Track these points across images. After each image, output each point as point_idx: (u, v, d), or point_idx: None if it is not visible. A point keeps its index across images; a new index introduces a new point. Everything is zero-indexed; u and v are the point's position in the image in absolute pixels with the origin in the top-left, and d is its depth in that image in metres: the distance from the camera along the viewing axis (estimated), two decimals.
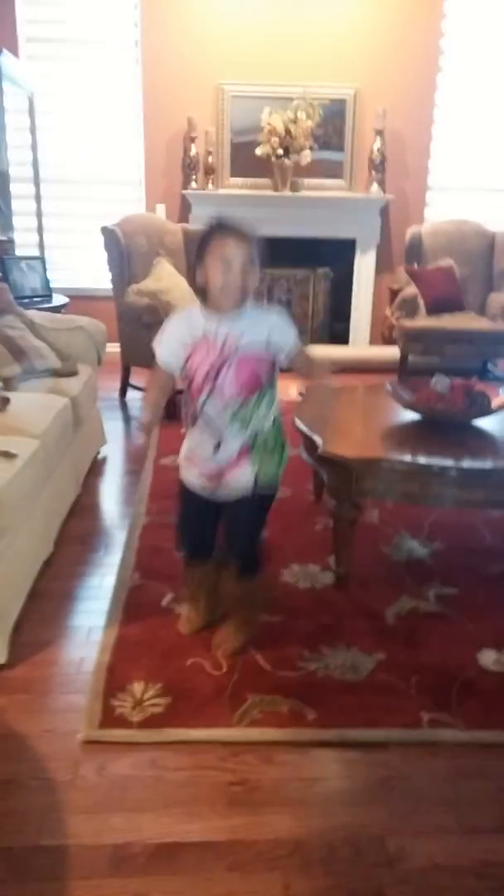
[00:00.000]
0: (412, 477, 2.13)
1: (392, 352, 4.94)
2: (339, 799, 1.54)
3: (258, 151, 4.97)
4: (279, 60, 5.02)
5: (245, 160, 5.12)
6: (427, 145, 5.34)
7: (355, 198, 5.25)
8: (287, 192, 5.10)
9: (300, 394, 2.88)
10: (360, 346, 5.55)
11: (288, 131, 4.91)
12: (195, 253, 1.72)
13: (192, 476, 1.87)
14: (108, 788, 1.52)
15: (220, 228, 1.67)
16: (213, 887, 1.32)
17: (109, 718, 1.70)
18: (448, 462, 2.11)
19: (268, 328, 1.74)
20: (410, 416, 2.46)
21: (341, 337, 5.59)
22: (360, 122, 5.17)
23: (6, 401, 2.13)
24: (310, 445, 2.39)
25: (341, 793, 1.55)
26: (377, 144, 5.13)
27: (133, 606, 2.17)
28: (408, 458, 2.14)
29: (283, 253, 5.35)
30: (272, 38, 4.98)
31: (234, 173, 5.19)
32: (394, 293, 5.12)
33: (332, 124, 5.16)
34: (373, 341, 5.56)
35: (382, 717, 1.75)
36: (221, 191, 5.15)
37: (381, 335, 5.37)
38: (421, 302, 4.76)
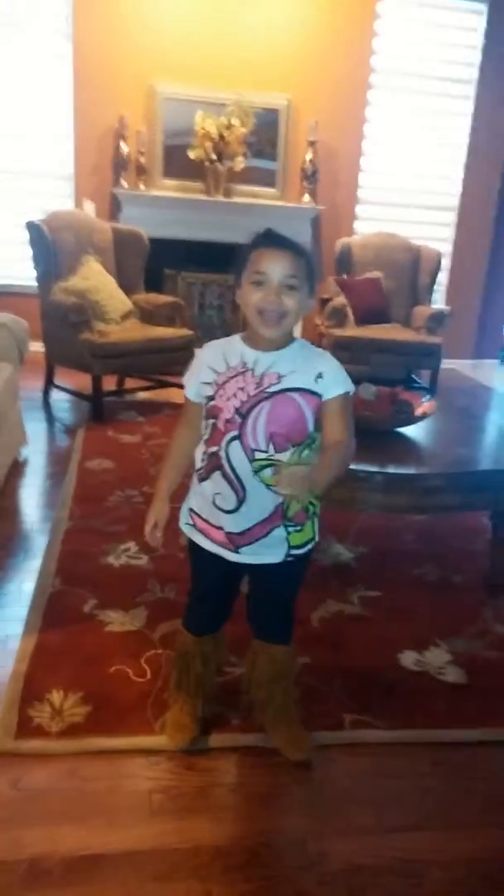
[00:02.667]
0: (339, 483, 2.15)
1: None
2: (260, 804, 1.53)
3: (191, 155, 4.95)
4: (213, 65, 5.02)
5: (178, 162, 5.10)
6: (357, 159, 5.45)
7: (287, 207, 5.30)
8: (220, 197, 5.10)
9: None
10: None
11: (221, 136, 4.91)
12: (237, 272, 1.42)
13: (203, 538, 1.51)
14: (23, 801, 1.47)
15: (261, 240, 1.38)
16: None
17: (26, 729, 1.64)
18: (373, 468, 2.14)
19: (317, 370, 1.41)
20: None
21: None
22: (292, 133, 5.23)
23: None
24: None
25: (263, 797, 1.55)
26: (309, 155, 5.20)
27: (54, 613, 2.11)
28: None
29: (214, 258, 5.34)
30: (207, 42, 4.98)
31: (166, 175, 5.15)
32: (323, 302, 5.19)
33: (266, 133, 5.19)
34: None
35: (306, 721, 1.75)
36: (153, 192, 5.11)
37: (311, 343, 5.43)
38: (349, 312, 4.85)
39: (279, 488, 1.34)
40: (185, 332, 4.23)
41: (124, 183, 5.04)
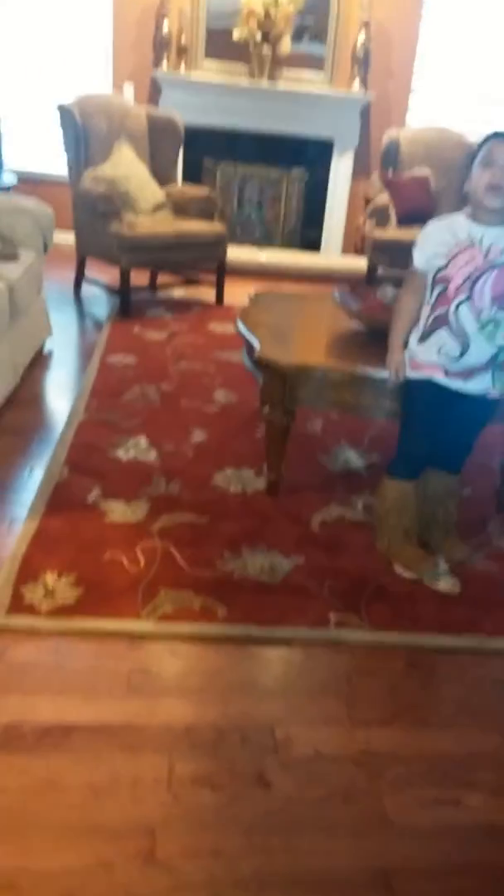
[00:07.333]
0: (344, 386, 2.10)
1: (362, 263, 4.81)
2: (236, 689, 1.58)
3: (235, 34, 4.63)
4: None
5: (221, 44, 4.77)
6: (414, 43, 5.01)
7: (335, 95, 4.95)
8: (264, 82, 4.79)
9: (249, 297, 2.79)
10: (331, 254, 5.39)
11: (268, 14, 4.57)
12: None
13: (438, 373, 1.85)
14: (6, 672, 1.54)
15: (494, 135, 1.70)
16: (98, 766, 1.36)
17: (18, 606, 1.72)
18: (382, 373, 2.07)
19: None
20: (356, 325, 2.40)
21: (313, 244, 5.41)
22: (345, 12, 4.82)
23: None
24: (249, 349, 2.34)
25: (240, 684, 1.60)
26: (361, 38, 4.80)
27: (58, 500, 2.16)
28: (340, 366, 2.10)
29: (256, 150, 5.10)
30: None
31: (208, 55, 4.85)
32: (368, 201, 4.93)
33: (316, 12, 4.81)
34: (345, 250, 5.39)
35: (291, 617, 1.78)
36: (194, 75, 4.83)
37: (354, 245, 5.21)
38: (392, 212, 4.60)
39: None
40: (217, 227, 4.08)
41: (165, 64, 4.78)
